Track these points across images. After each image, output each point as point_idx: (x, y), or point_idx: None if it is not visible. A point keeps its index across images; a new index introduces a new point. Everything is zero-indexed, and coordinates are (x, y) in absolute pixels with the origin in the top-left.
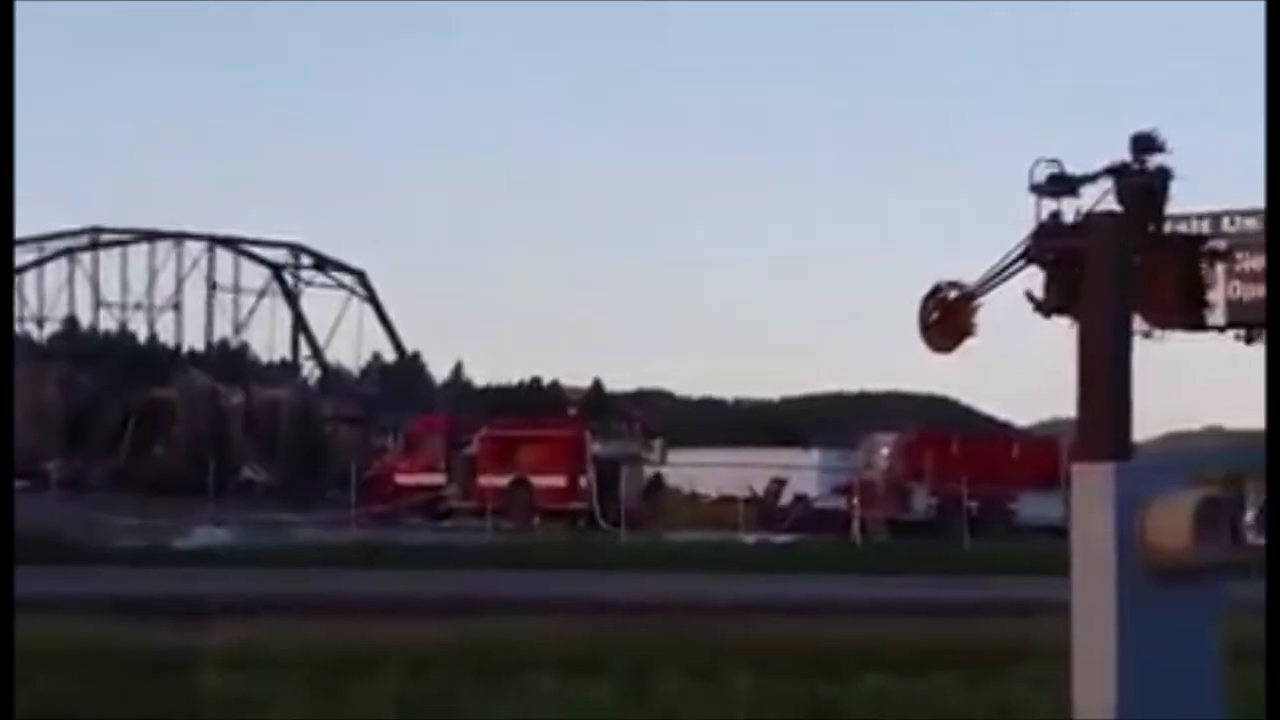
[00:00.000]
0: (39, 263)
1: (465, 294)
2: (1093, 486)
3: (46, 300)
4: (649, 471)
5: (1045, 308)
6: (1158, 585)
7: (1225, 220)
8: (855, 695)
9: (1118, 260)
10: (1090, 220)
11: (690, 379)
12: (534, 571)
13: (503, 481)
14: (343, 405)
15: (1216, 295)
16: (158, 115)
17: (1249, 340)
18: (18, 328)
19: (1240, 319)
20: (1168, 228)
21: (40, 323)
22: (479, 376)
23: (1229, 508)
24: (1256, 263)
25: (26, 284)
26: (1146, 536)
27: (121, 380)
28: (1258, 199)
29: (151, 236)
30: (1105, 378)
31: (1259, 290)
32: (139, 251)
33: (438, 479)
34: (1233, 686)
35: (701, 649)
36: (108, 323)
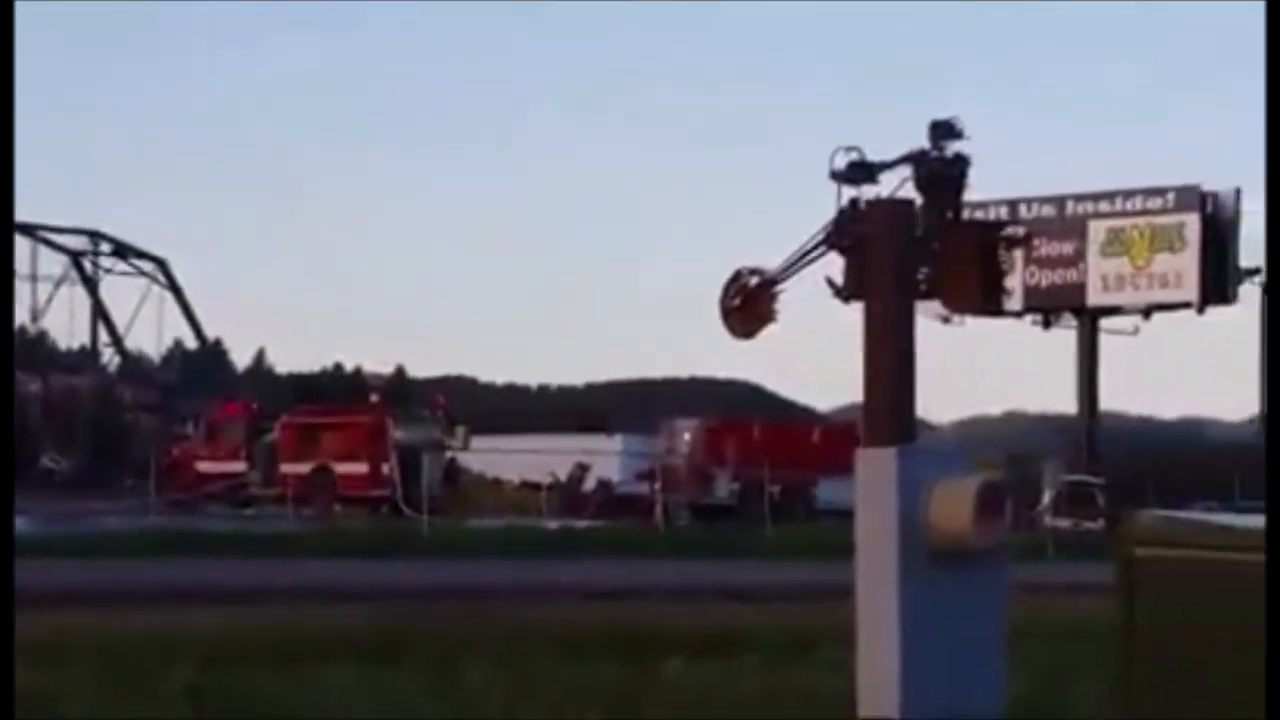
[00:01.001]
0: None
1: (267, 281)
2: (876, 471)
3: None
4: (448, 457)
5: (844, 293)
6: (940, 567)
7: (1023, 207)
8: (657, 680)
9: (897, 247)
10: (873, 207)
11: (494, 365)
12: (336, 559)
13: (304, 468)
14: (143, 392)
15: (1014, 281)
16: None
17: (1047, 325)
18: None
19: (1038, 304)
20: (966, 214)
21: None
22: (281, 363)
23: (1009, 491)
24: (1053, 249)
25: None
26: (929, 519)
27: None
28: (1052, 187)
29: None
30: (889, 362)
31: (1055, 276)
32: None
33: (239, 466)
34: (1023, 664)
35: (504, 635)
36: None
